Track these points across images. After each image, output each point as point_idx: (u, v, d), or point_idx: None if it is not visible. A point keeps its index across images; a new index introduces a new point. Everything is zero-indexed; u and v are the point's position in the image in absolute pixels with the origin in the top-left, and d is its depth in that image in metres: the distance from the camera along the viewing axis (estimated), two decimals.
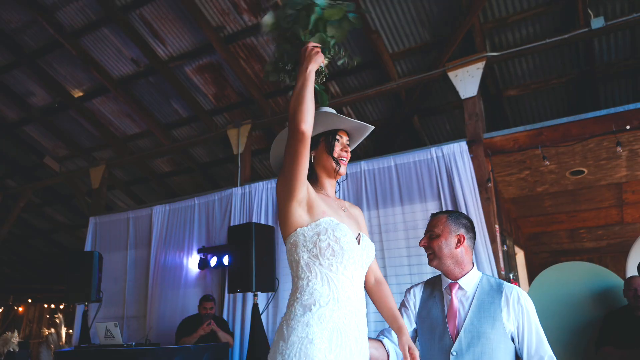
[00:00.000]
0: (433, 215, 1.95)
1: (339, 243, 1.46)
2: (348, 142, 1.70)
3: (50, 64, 6.35)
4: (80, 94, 6.70)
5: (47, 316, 12.87)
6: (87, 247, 6.89)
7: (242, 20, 5.24)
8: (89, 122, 7.06)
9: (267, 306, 4.50)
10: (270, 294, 4.48)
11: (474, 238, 1.92)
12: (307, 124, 1.43)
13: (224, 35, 5.41)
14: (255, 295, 4.17)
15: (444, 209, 4.35)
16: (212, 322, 4.50)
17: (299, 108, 1.43)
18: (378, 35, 4.96)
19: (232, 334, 4.76)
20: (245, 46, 5.49)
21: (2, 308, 11.29)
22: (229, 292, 4.22)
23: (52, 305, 12.46)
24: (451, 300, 1.83)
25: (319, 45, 1.57)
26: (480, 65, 4.63)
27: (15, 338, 8.21)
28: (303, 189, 1.48)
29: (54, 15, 5.63)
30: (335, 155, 1.63)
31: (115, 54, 5.98)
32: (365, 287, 1.65)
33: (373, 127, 1.72)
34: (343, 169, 1.64)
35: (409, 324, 1.90)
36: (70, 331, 7.42)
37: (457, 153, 4.43)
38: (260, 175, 7.31)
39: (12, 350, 7.72)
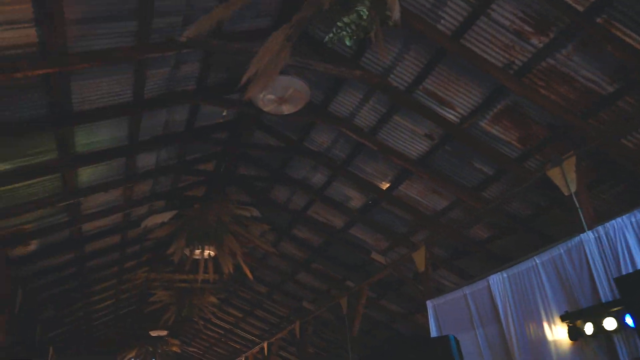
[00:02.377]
0: None
1: None
2: None
3: (357, 166, 7.03)
4: (387, 185, 7.10)
5: None
6: (433, 332, 6.74)
7: (530, 45, 4.65)
8: (400, 208, 7.35)
9: None
10: None
11: None
12: None
13: (514, 71, 4.88)
14: None
15: None
16: None
17: None
18: None
19: None
20: (541, 72, 4.80)
21: None
22: None
23: None
24: None
25: None
26: None
27: None
28: None
29: (352, 122, 6.28)
30: None
31: (409, 136, 6.16)
32: None
33: None
34: None
35: None
36: None
37: None
38: (600, 211, 5.97)
39: None
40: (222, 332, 16.70)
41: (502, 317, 5.66)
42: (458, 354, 5.17)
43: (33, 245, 7.22)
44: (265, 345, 14.69)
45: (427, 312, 9.82)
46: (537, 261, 5.32)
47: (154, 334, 15.87)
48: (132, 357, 16.86)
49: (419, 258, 7.66)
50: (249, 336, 15.75)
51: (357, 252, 8.93)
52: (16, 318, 7.84)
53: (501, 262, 7.05)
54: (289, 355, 15.68)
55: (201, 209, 7.56)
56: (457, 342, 5.31)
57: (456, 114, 5.61)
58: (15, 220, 6.28)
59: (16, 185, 5.47)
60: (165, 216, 7.76)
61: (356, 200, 7.80)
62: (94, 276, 9.81)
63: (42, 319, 10.12)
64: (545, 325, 5.15)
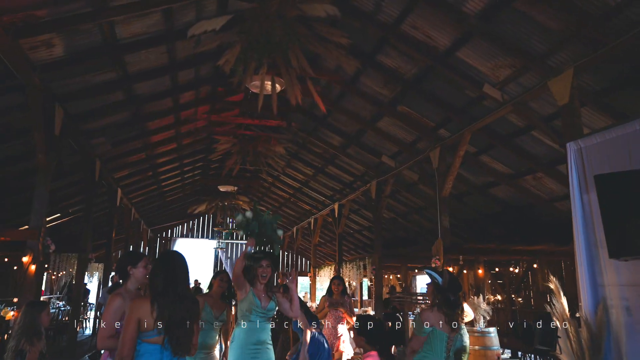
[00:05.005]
0: None
1: None
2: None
3: None
4: None
5: (489, 281, 11.88)
6: (574, 187, 4.76)
7: None
8: (546, 7, 4.95)
9: None
10: None
11: None
12: None
13: None
14: None
15: None
16: None
17: None
18: None
19: None
20: None
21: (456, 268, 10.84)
22: None
23: (497, 269, 11.32)
24: None
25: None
26: None
27: (483, 304, 7.12)
28: None
29: None
30: None
31: None
32: None
33: None
34: None
35: None
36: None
37: None
38: None
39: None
40: (292, 191, 15.91)
41: None
42: None
43: (59, 47, 5.84)
44: (335, 206, 13.65)
45: (545, 173, 7.78)
46: None
47: (222, 188, 15.38)
48: (201, 211, 16.79)
49: (560, 87, 5.41)
50: (319, 197, 14.77)
51: (462, 86, 6.77)
52: (58, 139, 6.87)
53: None
54: (361, 220, 14.68)
55: (260, 6, 5.64)
56: None
57: None
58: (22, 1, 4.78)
59: None
60: (217, 22, 5.94)
61: (476, 0, 5.44)
62: (147, 107, 8.61)
63: (100, 155, 9.37)
64: None
